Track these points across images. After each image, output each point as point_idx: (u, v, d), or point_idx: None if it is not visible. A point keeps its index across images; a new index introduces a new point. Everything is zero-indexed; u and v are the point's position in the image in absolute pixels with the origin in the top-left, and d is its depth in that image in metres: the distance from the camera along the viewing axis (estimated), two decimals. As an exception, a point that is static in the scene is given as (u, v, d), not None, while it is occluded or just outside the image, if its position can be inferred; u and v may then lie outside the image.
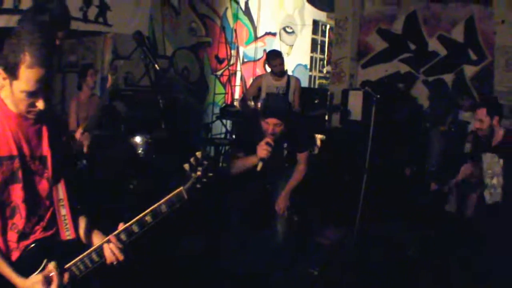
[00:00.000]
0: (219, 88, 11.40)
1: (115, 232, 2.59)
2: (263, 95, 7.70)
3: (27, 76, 2.30)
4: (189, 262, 5.23)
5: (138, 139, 6.92)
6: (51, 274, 2.39)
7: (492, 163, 5.33)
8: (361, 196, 6.05)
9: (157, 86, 8.25)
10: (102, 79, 7.99)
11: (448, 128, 7.07)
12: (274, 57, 7.76)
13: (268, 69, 11.75)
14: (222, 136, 10.51)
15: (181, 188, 2.65)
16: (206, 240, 5.68)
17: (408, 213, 6.68)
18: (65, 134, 2.85)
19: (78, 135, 4.56)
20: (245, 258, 5.17)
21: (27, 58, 2.29)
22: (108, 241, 2.56)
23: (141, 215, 2.60)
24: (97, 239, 2.69)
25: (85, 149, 4.45)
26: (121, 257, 2.55)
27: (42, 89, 2.37)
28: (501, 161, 5.30)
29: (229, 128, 10.35)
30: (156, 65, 5.28)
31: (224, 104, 11.12)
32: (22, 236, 2.49)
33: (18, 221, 2.48)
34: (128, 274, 3.09)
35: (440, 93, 8.08)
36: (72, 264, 2.49)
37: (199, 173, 2.65)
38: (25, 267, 2.42)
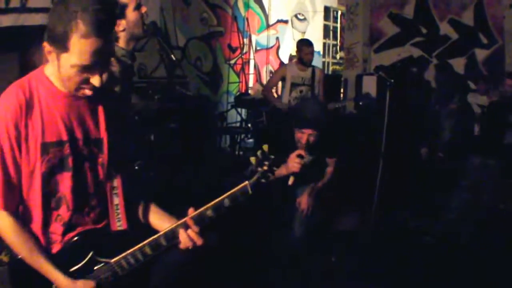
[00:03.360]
0: (233, 77, 11.42)
1: (191, 215, 2.40)
2: (287, 85, 7.68)
3: (80, 47, 1.99)
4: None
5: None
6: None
7: None
8: (377, 182, 6.06)
9: (172, 76, 8.31)
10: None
11: (457, 107, 7.06)
12: (307, 45, 7.60)
13: (285, 59, 11.83)
14: (237, 124, 10.55)
15: (246, 182, 2.48)
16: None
17: (424, 197, 6.68)
18: (124, 114, 2.62)
19: None
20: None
21: (80, 26, 1.97)
22: (184, 225, 2.38)
23: (202, 208, 2.43)
24: (167, 223, 2.46)
25: None
26: (199, 241, 2.37)
27: (99, 63, 2.07)
28: None
29: (244, 116, 10.39)
30: (172, 55, 5.30)
31: (238, 93, 11.16)
32: (68, 228, 2.28)
33: (64, 212, 2.26)
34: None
35: (445, 74, 8.04)
36: (134, 250, 2.34)
37: (265, 167, 2.52)
38: (67, 259, 2.26)
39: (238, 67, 11.58)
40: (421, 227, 6.19)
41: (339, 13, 14.32)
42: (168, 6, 9.25)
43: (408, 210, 6.60)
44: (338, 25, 14.52)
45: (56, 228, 2.26)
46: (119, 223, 2.37)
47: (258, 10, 12.16)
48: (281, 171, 4.21)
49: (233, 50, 11.31)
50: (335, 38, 14.57)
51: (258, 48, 12.19)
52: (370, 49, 10.15)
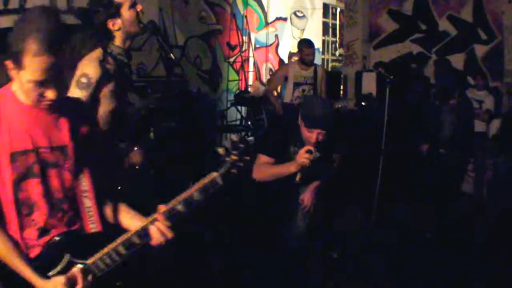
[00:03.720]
0: (232, 75, 11.41)
1: (161, 211, 2.41)
2: (289, 84, 7.69)
3: (33, 65, 2.15)
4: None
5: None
6: (75, 276, 2.28)
7: None
8: (378, 179, 6.07)
9: (172, 75, 8.30)
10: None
11: (457, 102, 7.06)
12: (307, 46, 7.68)
13: (284, 57, 11.82)
14: (238, 122, 10.56)
15: (215, 174, 2.43)
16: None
17: (425, 194, 6.68)
18: (89, 120, 2.67)
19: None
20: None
21: (32, 46, 2.13)
22: (154, 221, 2.41)
23: (171, 203, 2.42)
24: (139, 222, 2.49)
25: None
26: (170, 234, 2.41)
27: (52, 77, 2.21)
28: None
29: (244, 114, 10.39)
30: (171, 54, 5.29)
31: (238, 91, 11.16)
32: (43, 232, 2.35)
33: (38, 217, 2.34)
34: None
35: (444, 70, 8.05)
36: (109, 250, 2.35)
37: (234, 157, 2.42)
38: (45, 263, 2.30)
39: (238, 65, 11.58)
40: (422, 224, 6.20)
41: (338, 10, 14.30)
42: (167, 5, 9.25)
43: (409, 207, 6.60)
44: (337, 22, 14.50)
45: (31, 233, 2.34)
46: (92, 225, 2.44)
47: (257, 7, 12.15)
48: (291, 167, 4.28)
49: (232, 48, 11.31)
50: (334, 35, 14.55)
51: (257, 45, 12.18)
52: (369, 45, 10.15)
